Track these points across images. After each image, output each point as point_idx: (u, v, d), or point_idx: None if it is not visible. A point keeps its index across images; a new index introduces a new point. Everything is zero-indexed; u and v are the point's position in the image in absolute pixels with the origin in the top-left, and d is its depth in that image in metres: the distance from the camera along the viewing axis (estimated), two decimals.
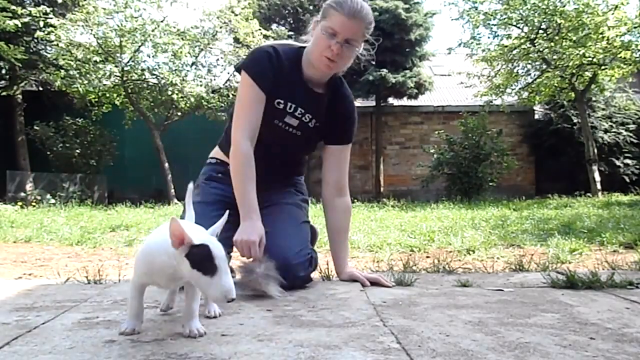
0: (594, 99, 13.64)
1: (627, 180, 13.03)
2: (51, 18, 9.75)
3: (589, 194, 11.07)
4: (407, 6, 13.28)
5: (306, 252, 2.01)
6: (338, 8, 1.90)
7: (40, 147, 11.52)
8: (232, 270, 2.43)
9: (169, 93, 10.44)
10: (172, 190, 10.75)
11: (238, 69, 2.07)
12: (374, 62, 13.17)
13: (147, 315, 1.59)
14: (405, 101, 14.48)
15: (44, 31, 10.02)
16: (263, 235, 1.88)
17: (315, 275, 2.40)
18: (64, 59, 10.09)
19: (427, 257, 3.18)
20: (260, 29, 11.13)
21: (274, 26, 13.75)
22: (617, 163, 13.29)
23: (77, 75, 10.26)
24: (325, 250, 2.92)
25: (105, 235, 4.44)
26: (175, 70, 10.78)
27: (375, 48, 2.07)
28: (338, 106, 2.12)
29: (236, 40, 11.40)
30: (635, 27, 11.15)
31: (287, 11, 13.87)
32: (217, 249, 1.25)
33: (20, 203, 8.85)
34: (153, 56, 10.91)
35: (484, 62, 12.70)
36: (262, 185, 1.97)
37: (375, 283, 2.05)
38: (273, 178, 2.11)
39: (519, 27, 12.37)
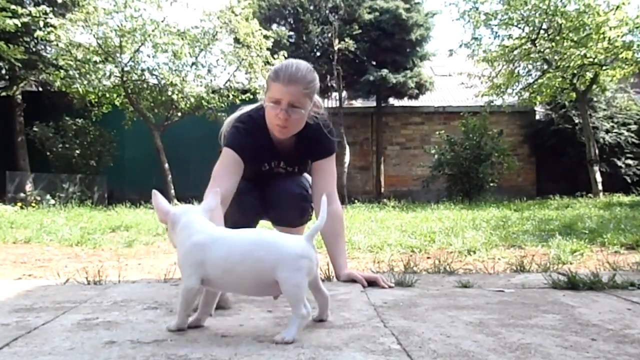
0: (595, 99, 13.62)
1: (629, 180, 13.01)
2: (51, 18, 9.73)
3: (590, 195, 11.05)
4: (407, 6, 13.28)
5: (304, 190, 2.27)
6: (275, 78, 2.02)
7: (40, 147, 11.50)
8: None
9: (169, 93, 10.42)
10: (172, 191, 10.74)
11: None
12: (374, 63, 13.23)
13: (147, 316, 1.60)
14: (406, 101, 14.47)
15: (44, 31, 9.99)
16: None
17: None
18: (63, 59, 10.07)
19: (428, 257, 3.18)
20: (260, 29, 11.10)
21: (274, 26, 13.71)
22: (619, 163, 13.27)
23: (77, 76, 10.25)
24: (325, 251, 2.92)
25: (105, 236, 4.44)
26: (175, 70, 10.77)
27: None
28: (307, 145, 2.24)
29: (236, 40, 11.38)
30: (636, 27, 11.12)
31: (287, 11, 13.83)
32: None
33: (20, 204, 8.83)
34: (153, 56, 10.90)
35: (485, 62, 12.68)
36: None
37: (373, 283, 2.07)
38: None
39: (520, 28, 12.36)
